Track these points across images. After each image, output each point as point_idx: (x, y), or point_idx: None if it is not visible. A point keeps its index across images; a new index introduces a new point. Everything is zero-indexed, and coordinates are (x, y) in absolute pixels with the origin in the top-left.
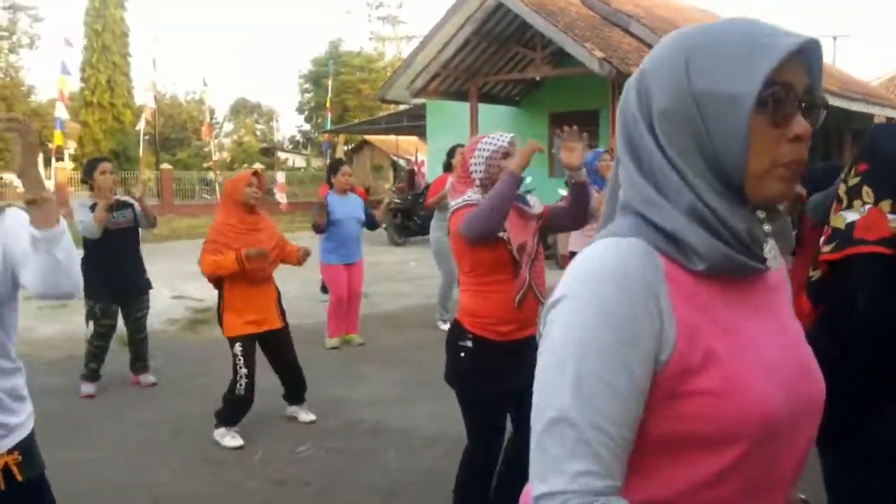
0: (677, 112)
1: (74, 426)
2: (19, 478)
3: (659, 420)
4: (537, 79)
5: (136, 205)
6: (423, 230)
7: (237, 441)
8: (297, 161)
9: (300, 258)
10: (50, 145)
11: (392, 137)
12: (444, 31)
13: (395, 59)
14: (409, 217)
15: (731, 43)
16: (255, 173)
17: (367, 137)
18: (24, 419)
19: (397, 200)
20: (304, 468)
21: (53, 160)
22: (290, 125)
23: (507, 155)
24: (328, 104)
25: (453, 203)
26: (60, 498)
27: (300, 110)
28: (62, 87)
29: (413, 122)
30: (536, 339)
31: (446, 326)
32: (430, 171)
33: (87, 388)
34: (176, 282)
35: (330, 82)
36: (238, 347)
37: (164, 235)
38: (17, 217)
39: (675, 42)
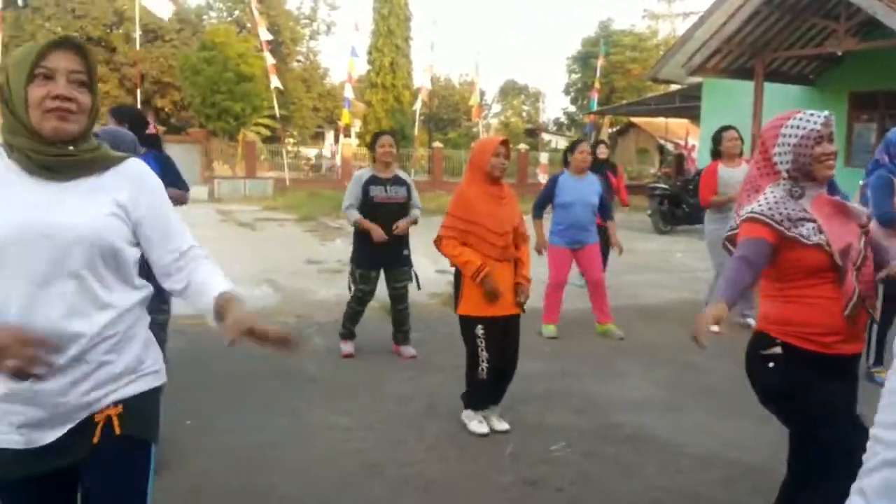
0: None
1: (335, 391)
2: (117, 430)
3: None
4: (838, 53)
5: (411, 183)
6: (692, 219)
7: (483, 428)
8: (561, 143)
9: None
10: (339, 123)
11: (660, 120)
12: (728, 2)
13: (668, 36)
14: (677, 204)
15: None
16: (504, 142)
17: (633, 120)
18: (137, 376)
19: (664, 186)
20: (556, 470)
21: (341, 136)
22: (555, 107)
23: (820, 139)
24: (596, 84)
25: (744, 211)
26: (312, 460)
27: (566, 91)
28: (351, 69)
29: (686, 103)
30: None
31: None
32: (702, 156)
33: (346, 346)
34: (439, 255)
35: (599, 62)
36: (480, 329)
37: (431, 210)
38: (157, 189)
39: None
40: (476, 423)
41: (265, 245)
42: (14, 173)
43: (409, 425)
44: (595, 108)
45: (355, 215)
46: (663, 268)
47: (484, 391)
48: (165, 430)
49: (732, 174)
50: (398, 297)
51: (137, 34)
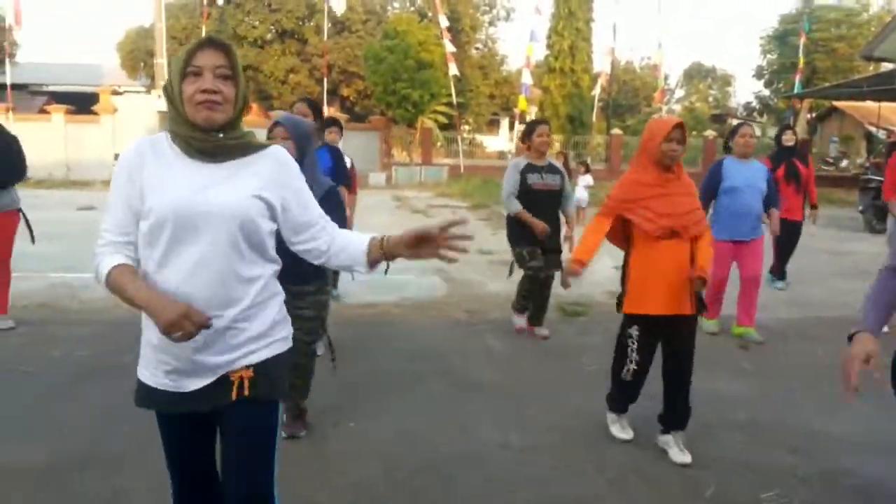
0: None
1: (506, 400)
2: (247, 392)
3: None
4: None
5: (564, 171)
6: None
7: (626, 434)
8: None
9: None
10: (515, 110)
11: (869, 104)
12: None
13: (882, 11)
14: None
15: None
16: (678, 125)
17: (836, 104)
18: (266, 343)
19: (880, 178)
20: None
21: (517, 123)
22: (745, 91)
23: None
24: (800, 65)
25: None
26: (486, 485)
27: (759, 74)
28: (529, 54)
29: None
30: None
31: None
32: None
33: (519, 320)
34: (615, 249)
35: (801, 41)
36: (635, 329)
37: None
38: (295, 169)
39: None
40: (618, 429)
41: None
42: (177, 156)
43: (589, 450)
44: (798, 90)
45: (517, 206)
46: None
47: (627, 394)
48: (327, 427)
49: None
50: (546, 285)
51: (326, 26)
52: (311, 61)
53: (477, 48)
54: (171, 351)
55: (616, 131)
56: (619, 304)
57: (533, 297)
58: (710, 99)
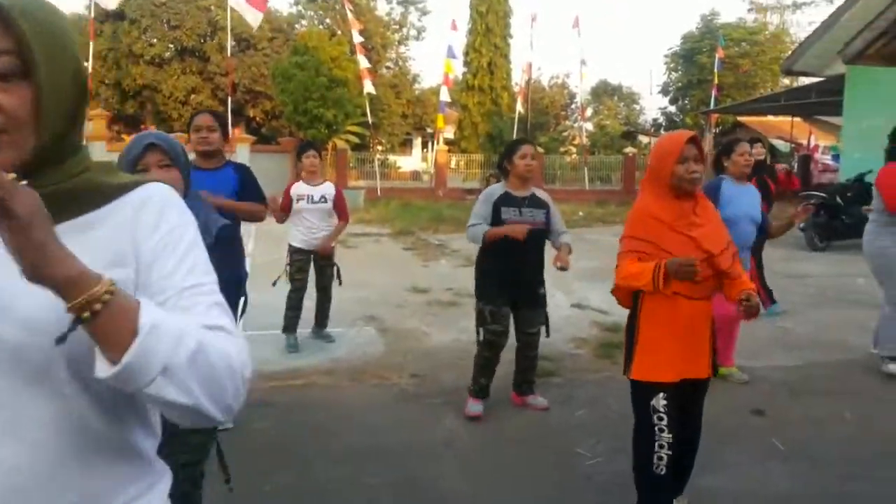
0: None
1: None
2: None
3: None
4: None
5: (552, 205)
6: (853, 232)
7: None
8: None
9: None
10: (428, 129)
11: (770, 118)
12: None
13: (778, 29)
14: (835, 215)
15: None
16: (692, 139)
17: (740, 119)
18: None
19: (821, 194)
20: None
21: (436, 143)
22: (650, 107)
23: None
24: (716, 80)
25: None
26: None
27: (665, 91)
28: (447, 70)
29: (823, 98)
30: None
31: None
32: (847, 157)
33: (474, 406)
34: (571, 283)
35: (717, 56)
36: (661, 400)
37: None
38: (168, 222)
39: None
40: None
41: (362, 267)
42: None
43: None
44: (714, 105)
45: (479, 230)
46: (855, 300)
47: (666, 490)
48: None
49: None
50: (530, 343)
51: (230, 44)
52: (213, 80)
53: (388, 67)
54: None
55: (540, 150)
56: (626, 367)
57: (517, 361)
58: (619, 116)
